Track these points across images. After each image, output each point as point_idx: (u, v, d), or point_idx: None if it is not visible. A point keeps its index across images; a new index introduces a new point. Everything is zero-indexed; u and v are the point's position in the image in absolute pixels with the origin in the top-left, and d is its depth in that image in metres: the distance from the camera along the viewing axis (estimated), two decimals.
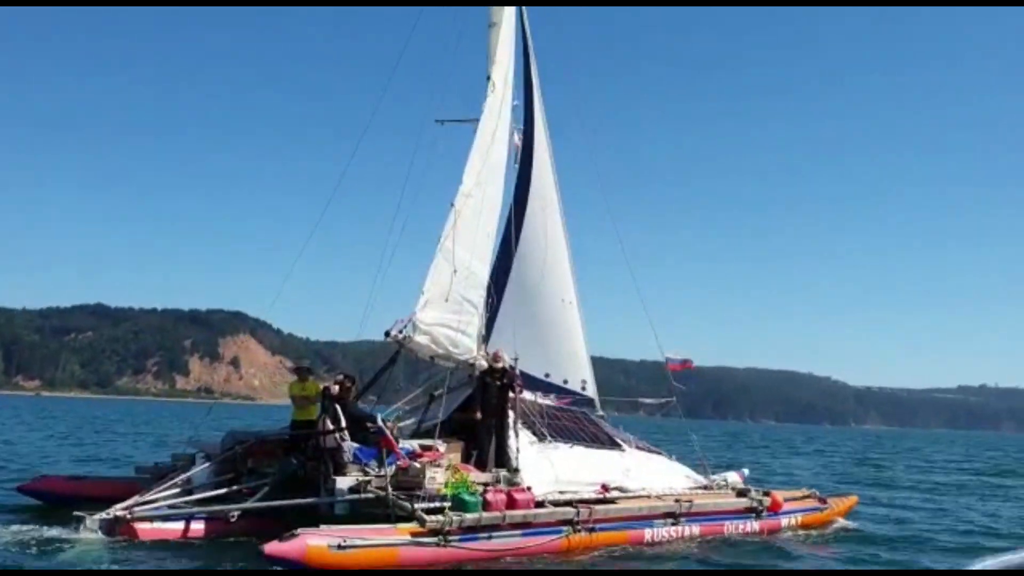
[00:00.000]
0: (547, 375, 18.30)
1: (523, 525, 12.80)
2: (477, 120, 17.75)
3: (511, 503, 12.76)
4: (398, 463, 12.89)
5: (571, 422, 16.82)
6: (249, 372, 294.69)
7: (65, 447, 33.34)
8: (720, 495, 16.35)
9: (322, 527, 11.26)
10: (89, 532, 12.49)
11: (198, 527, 13.15)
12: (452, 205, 14.61)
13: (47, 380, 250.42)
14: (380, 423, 13.65)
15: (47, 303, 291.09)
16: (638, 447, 17.39)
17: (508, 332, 17.19)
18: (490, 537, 12.39)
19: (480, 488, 13.01)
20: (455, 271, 14.50)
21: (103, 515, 12.77)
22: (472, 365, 16.07)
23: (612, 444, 16.86)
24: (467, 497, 12.38)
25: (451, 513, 12.06)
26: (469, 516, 12.15)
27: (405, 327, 14.13)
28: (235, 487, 13.82)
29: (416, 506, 12.14)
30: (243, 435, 15.51)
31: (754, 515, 16.01)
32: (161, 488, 13.98)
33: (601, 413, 18.60)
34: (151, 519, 12.99)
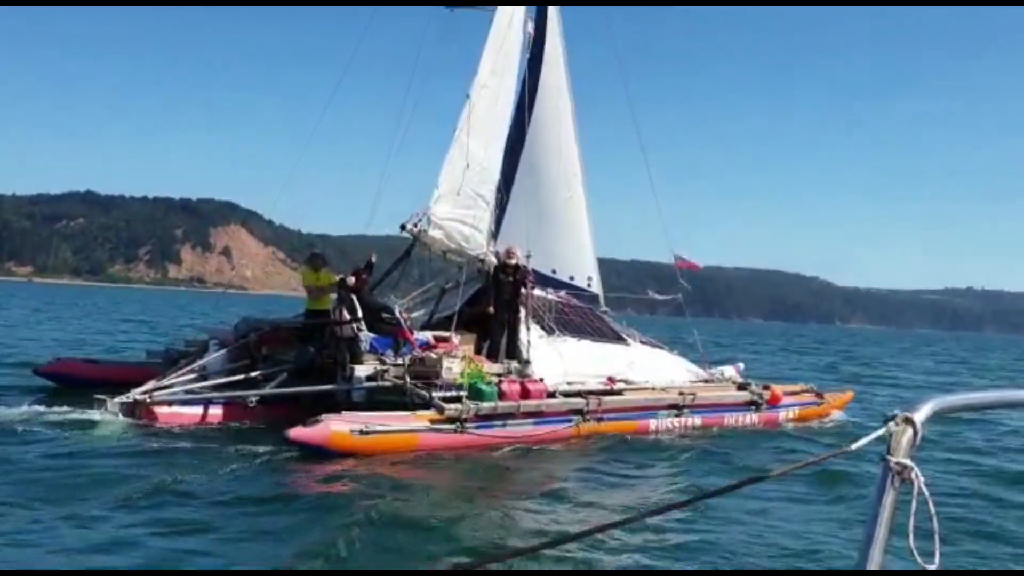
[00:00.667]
0: (553, 271, 18.46)
1: (536, 414, 13.18)
2: (489, 6, 17.48)
3: (525, 393, 13.11)
4: (415, 353, 13.16)
5: (578, 317, 17.07)
6: (241, 262, 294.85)
7: (84, 336, 33.69)
8: (721, 388, 16.77)
9: (343, 413, 11.57)
10: (110, 415, 12.81)
11: (216, 412, 13.48)
12: (467, 96, 14.50)
13: (39, 266, 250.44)
14: (397, 314, 13.85)
15: (36, 189, 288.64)
16: (642, 342, 17.71)
17: (515, 227, 17.29)
18: (504, 425, 12.77)
19: (494, 379, 13.33)
20: (467, 166, 14.49)
21: (123, 398, 13.07)
22: (482, 261, 16.20)
23: (617, 339, 17.15)
24: (483, 387, 12.70)
25: (468, 402, 12.39)
26: (485, 405, 12.50)
27: (420, 221, 14.21)
28: (252, 374, 14.08)
29: (434, 395, 12.46)
30: (257, 323, 15.74)
31: (753, 408, 16.43)
32: (178, 373, 14.26)
33: (605, 309, 18.86)
34: (170, 403, 13.30)
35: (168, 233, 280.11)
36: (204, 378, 14.32)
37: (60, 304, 68.88)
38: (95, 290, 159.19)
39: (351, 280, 13.79)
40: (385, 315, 13.96)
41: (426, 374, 13.06)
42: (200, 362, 14.63)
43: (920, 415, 2.12)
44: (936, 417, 2.16)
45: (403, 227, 14.37)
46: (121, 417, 12.85)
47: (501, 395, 12.84)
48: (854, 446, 2.17)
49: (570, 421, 13.55)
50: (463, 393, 12.75)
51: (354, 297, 13.68)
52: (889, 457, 2.06)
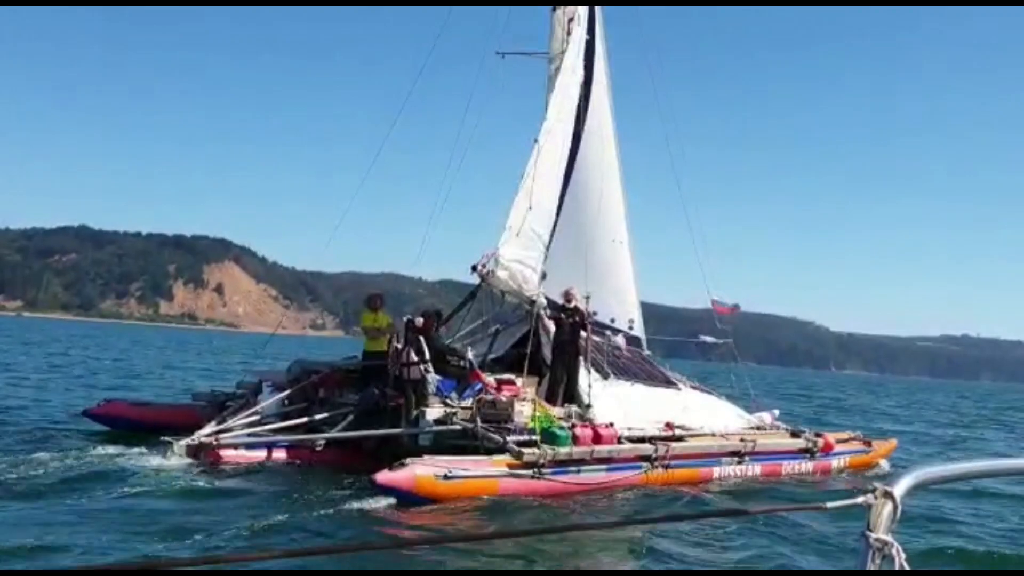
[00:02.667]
0: (594, 312, 18.39)
1: (607, 460, 13.02)
2: (540, 53, 17.61)
3: (597, 438, 12.95)
4: (484, 396, 13.02)
5: (629, 360, 16.98)
6: (233, 299, 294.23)
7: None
8: (778, 435, 16.65)
9: (425, 457, 11.40)
10: (176, 457, 12.63)
11: (280, 454, 13.30)
12: (536, 141, 14.52)
13: (28, 301, 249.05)
14: (470, 357, 13.73)
15: (31, 223, 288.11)
16: (692, 386, 17.60)
17: (560, 269, 17.25)
18: (579, 471, 12.61)
19: (564, 423, 13.19)
20: (530, 208, 14.48)
21: (189, 440, 12.89)
22: (533, 302, 16.12)
23: (668, 383, 17.05)
24: (558, 431, 12.56)
25: (545, 447, 12.23)
26: (562, 450, 12.34)
27: (488, 262, 14.16)
28: (317, 416, 13.92)
29: (508, 439, 12.30)
30: (312, 364, 15.62)
31: (808, 456, 16.31)
32: (240, 415, 14.09)
33: (648, 352, 18.77)
34: (235, 446, 13.12)
35: (161, 269, 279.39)
36: (263, 421, 14.16)
37: (91, 340, 68.38)
38: (87, 325, 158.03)
39: (419, 321, 13.68)
40: (456, 358, 13.85)
41: (497, 417, 12.91)
42: (259, 406, 14.46)
43: (900, 489, 2.08)
44: (917, 490, 2.13)
45: (474, 268, 14.31)
46: (187, 459, 12.67)
47: (574, 440, 12.68)
48: (829, 505, 2.21)
49: (639, 468, 13.39)
50: (535, 437, 12.60)
51: (422, 339, 13.55)
52: (869, 533, 2.03)
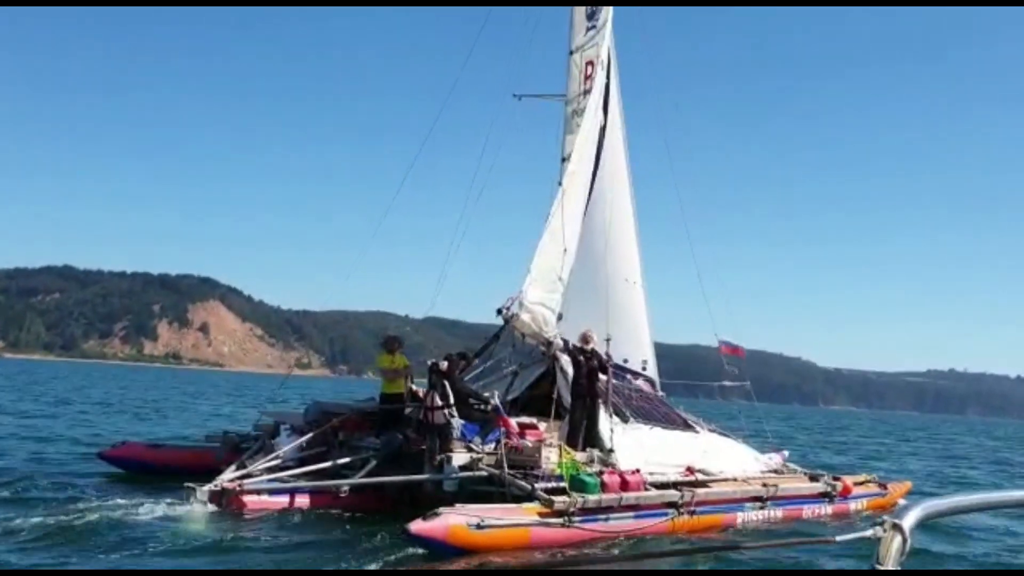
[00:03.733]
0: (607, 355, 18.34)
1: (635, 507, 12.87)
2: (556, 95, 17.73)
3: (624, 485, 12.83)
4: (510, 442, 12.89)
5: (646, 403, 16.90)
6: (218, 339, 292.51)
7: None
8: (798, 479, 16.55)
9: (457, 506, 11.24)
10: (199, 504, 12.43)
11: (303, 500, 13.10)
12: (560, 184, 14.56)
13: (10, 341, 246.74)
14: (496, 402, 13.62)
15: (14, 263, 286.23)
16: (709, 429, 17.53)
17: (572, 310, 17.20)
18: (607, 519, 12.45)
19: (590, 468, 13.06)
20: (565, 250, 14.50)
21: (211, 487, 12.70)
22: (549, 344, 16.07)
23: (686, 425, 16.98)
24: (587, 479, 12.41)
25: (575, 494, 12.09)
26: (591, 498, 12.20)
27: (512, 304, 14.12)
28: (339, 461, 13.76)
29: (536, 486, 12.16)
30: (330, 407, 15.49)
31: (827, 499, 16.22)
32: (259, 459, 13.93)
33: (661, 394, 18.69)
34: (258, 491, 12.92)
35: (145, 308, 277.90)
36: (283, 465, 13.99)
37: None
38: (67, 366, 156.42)
39: (443, 365, 13.58)
40: (479, 403, 13.75)
41: (523, 464, 12.79)
42: (280, 450, 14.28)
43: (908, 521, 2.07)
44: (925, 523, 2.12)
45: (499, 311, 14.27)
46: (209, 506, 12.47)
47: (602, 487, 12.55)
48: (838, 539, 2.25)
49: (666, 515, 13.24)
50: (562, 484, 12.45)
51: (446, 383, 13.45)
52: (878, 566, 2.01)
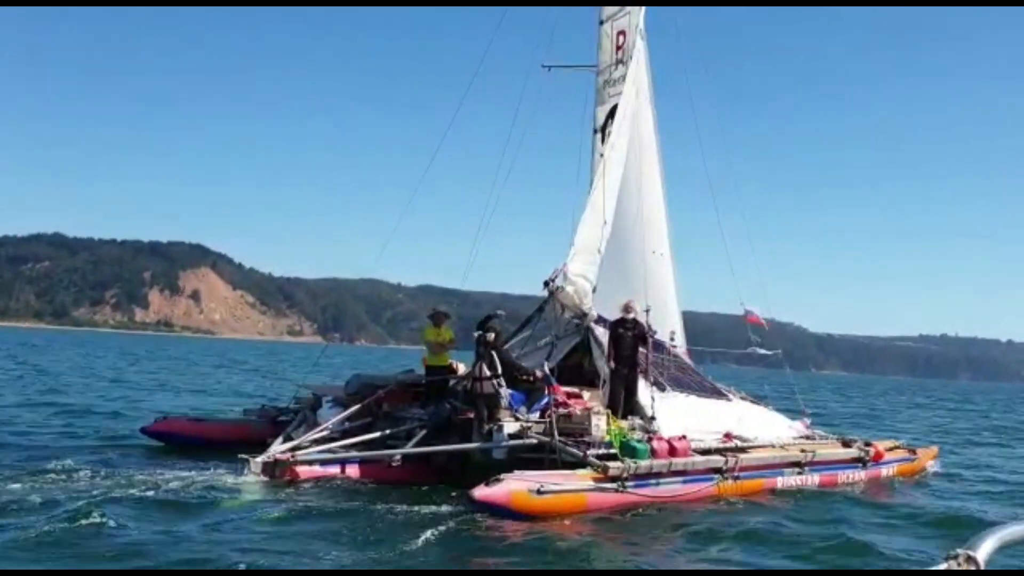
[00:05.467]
0: (648, 325, 18.45)
1: (683, 472, 13.08)
2: (587, 66, 17.68)
3: (672, 451, 13.02)
4: (560, 410, 13.03)
5: (681, 372, 17.05)
6: (209, 306, 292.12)
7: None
8: (832, 445, 16.78)
9: (516, 472, 11.40)
10: (253, 475, 12.56)
11: (353, 470, 13.24)
12: (601, 155, 14.59)
13: (0, 310, 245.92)
14: (547, 370, 13.74)
15: (3, 231, 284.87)
16: (741, 397, 17.72)
17: (601, 281, 17.28)
18: (658, 483, 12.66)
19: (639, 435, 13.24)
20: (605, 222, 14.56)
21: (264, 458, 12.83)
22: (585, 315, 16.15)
23: (719, 394, 17.15)
24: (637, 445, 12.60)
25: (627, 460, 12.27)
26: (643, 463, 12.39)
27: (558, 277, 14.21)
28: (388, 432, 13.90)
29: (588, 453, 12.33)
30: (372, 378, 15.60)
31: (861, 465, 16.45)
32: (308, 431, 14.06)
33: (690, 363, 18.84)
34: (310, 462, 13.05)
35: (136, 276, 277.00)
36: (330, 436, 14.11)
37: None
38: (58, 333, 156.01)
39: (490, 336, 13.67)
40: (535, 372, 13.89)
41: (573, 431, 12.94)
42: (325, 422, 14.39)
43: (983, 552, 1.95)
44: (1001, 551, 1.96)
45: (546, 284, 14.35)
46: (263, 477, 12.60)
47: (652, 453, 12.73)
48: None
49: (711, 480, 13.46)
50: (612, 451, 12.63)
51: (494, 353, 13.55)
52: None
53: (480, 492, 10.78)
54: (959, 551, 1.95)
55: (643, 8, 16.45)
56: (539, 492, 11.13)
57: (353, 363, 57.66)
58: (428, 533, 10.05)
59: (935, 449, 19.56)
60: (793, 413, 19.31)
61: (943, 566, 1.94)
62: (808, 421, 19.65)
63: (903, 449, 18.30)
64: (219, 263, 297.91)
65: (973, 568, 1.91)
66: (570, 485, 11.60)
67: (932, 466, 18.47)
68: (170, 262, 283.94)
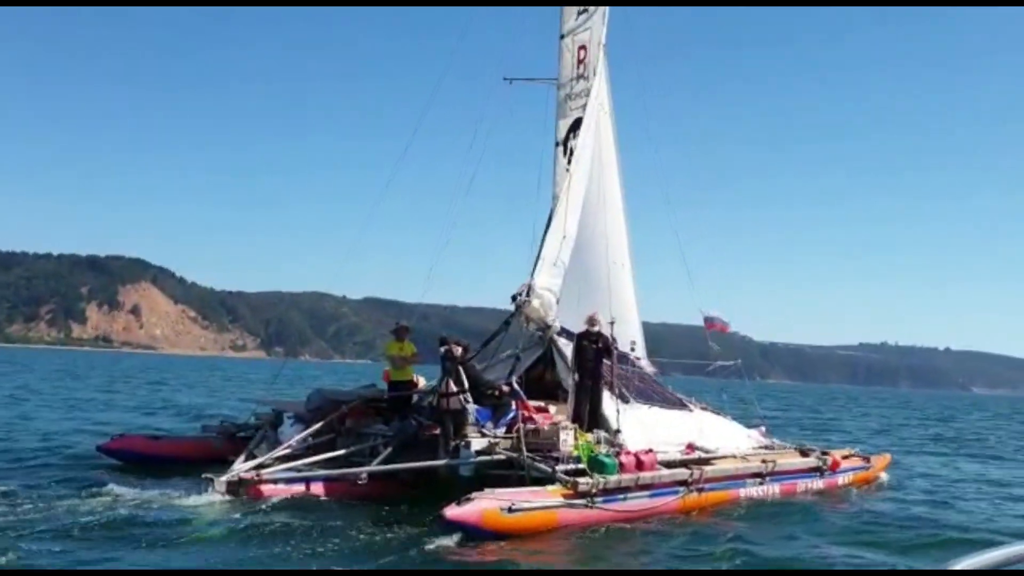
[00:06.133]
0: (612, 337, 18.49)
1: (650, 486, 13.10)
2: (548, 79, 17.74)
3: (639, 465, 13.04)
4: (528, 425, 12.99)
5: (642, 383, 17.12)
6: (150, 321, 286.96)
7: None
8: (791, 455, 16.98)
9: (487, 491, 11.31)
10: (217, 494, 12.31)
11: (318, 488, 13.04)
12: (568, 170, 14.62)
13: None
14: (515, 386, 13.69)
15: None
16: (701, 407, 17.86)
17: (562, 293, 17.33)
18: (625, 498, 12.65)
19: (606, 450, 13.24)
20: (564, 236, 14.57)
21: (229, 476, 12.58)
22: (548, 327, 16.16)
23: (681, 405, 17.27)
24: (606, 460, 12.59)
25: (596, 475, 12.26)
26: (612, 478, 12.38)
27: (527, 291, 14.19)
28: (352, 448, 13.74)
29: (556, 468, 12.29)
30: (335, 394, 15.41)
31: (819, 474, 16.68)
32: (271, 449, 13.84)
33: (652, 371, 18.92)
34: (275, 480, 12.83)
35: (73, 291, 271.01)
36: (293, 454, 13.90)
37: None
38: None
39: (458, 351, 13.59)
40: (504, 387, 13.85)
41: (541, 447, 12.89)
42: (286, 438, 14.19)
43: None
44: None
45: (514, 298, 14.32)
46: (227, 496, 12.35)
47: (620, 467, 12.74)
48: None
49: (677, 492, 13.51)
50: (580, 466, 12.61)
51: (461, 369, 13.47)
52: None
53: (451, 512, 10.66)
54: None
55: (606, 17, 16.48)
56: (510, 510, 11.04)
57: (307, 378, 57.00)
58: (397, 556, 9.94)
59: (888, 457, 19.93)
60: (748, 421, 19.58)
61: None
62: (764, 429, 19.90)
63: (858, 457, 18.60)
64: (160, 277, 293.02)
65: None
66: (540, 502, 11.53)
67: (886, 473, 18.81)
68: (109, 276, 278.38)
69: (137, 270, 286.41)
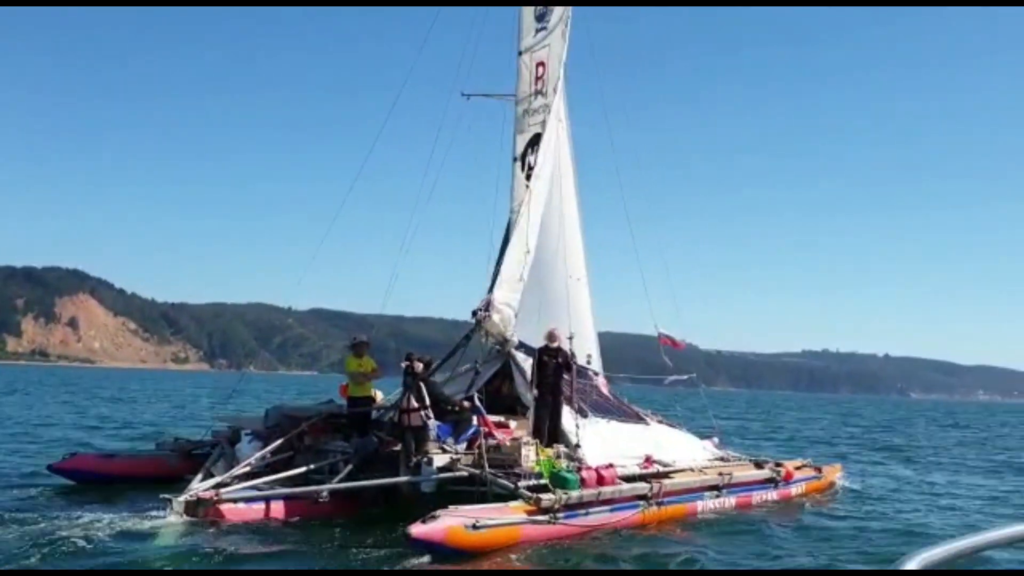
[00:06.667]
0: (571, 352, 18.58)
1: (611, 501, 13.20)
2: (506, 95, 17.86)
3: (600, 480, 13.13)
4: (490, 441, 13.02)
5: (599, 397, 17.26)
6: (89, 334, 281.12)
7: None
8: (746, 467, 17.21)
9: (451, 508, 11.30)
10: (175, 515, 12.12)
11: (278, 507, 12.89)
12: (527, 187, 14.71)
13: None
14: (477, 402, 13.70)
15: None
16: (657, 420, 18.03)
17: (521, 307, 17.40)
18: (587, 513, 12.72)
19: (566, 465, 13.30)
20: (528, 251, 14.66)
21: (188, 496, 12.39)
22: (506, 341, 16.20)
23: (637, 418, 17.41)
24: (568, 475, 12.66)
25: (559, 491, 12.32)
26: (574, 493, 12.45)
27: (486, 306, 14.23)
28: (312, 466, 13.63)
29: (519, 484, 12.33)
30: (293, 410, 15.29)
31: (773, 485, 16.94)
32: (228, 467, 13.68)
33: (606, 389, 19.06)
34: (234, 500, 12.66)
35: (7, 303, 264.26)
36: (252, 472, 13.74)
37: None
38: None
39: (419, 367, 13.57)
40: (464, 403, 13.84)
41: (503, 463, 12.93)
42: (244, 456, 14.03)
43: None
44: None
45: (474, 313, 14.34)
46: (185, 517, 12.15)
47: (581, 483, 12.82)
48: None
49: (637, 507, 13.62)
50: (542, 481, 12.66)
51: (422, 385, 13.45)
52: None
53: (416, 530, 10.63)
54: None
55: (567, 34, 16.60)
56: (475, 527, 11.05)
57: (255, 392, 56.25)
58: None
59: (839, 466, 20.33)
60: (700, 431, 19.83)
61: None
62: (717, 440, 20.16)
63: (810, 467, 18.92)
64: (98, 289, 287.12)
65: None
66: (504, 519, 11.55)
67: (839, 482, 19.17)
68: (45, 288, 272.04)
69: (75, 281, 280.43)
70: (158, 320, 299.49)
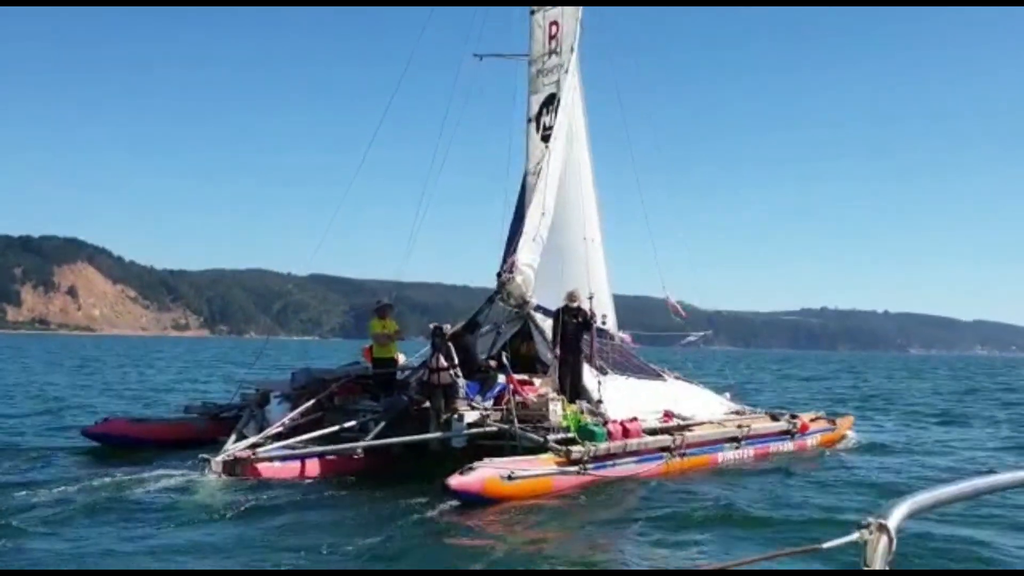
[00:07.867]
0: (591, 311, 18.80)
1: (636, 452, 13.59)
2: (519, 55, 17.91)
3: (626, 432, 13.50)
4: (518, 398, 13.35)
5: (618, 355, 17.55)
6: (88, 302, 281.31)
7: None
8: (764, 419, 17.59)
9: (486, 460, 11.65)
10: (213, 474, 12.43)
11: (313, 465, 13.22)
12: (546, 145, 14.86)
13: None
14: (504, 360, 14.00)
15: None
16: (675, 377, 18.37)
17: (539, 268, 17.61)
18: (614, 464, 13.12)
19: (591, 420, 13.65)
20: (544, 213, 14.86)
21: (225, 456, 12.71)
22: (526, 303, 16.44)
23: (655, 375, 17.75)
24: (595, 428, 13.02)
25: (587, 443, 12.69)
26: (601, 446, 12.83)
27: (510, 267, 14.48)
28: (345, 424, 13.96)
29: (548, 438, 12.68)
30: (322, 373, 15.59)
31: (789, 436, 17.32)
32: (262, 428, 13.99)
33: (635, 346, 19.36)
34: (270, 459, 12.99)
35: (6, 273, 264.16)
36: (284, 432, 14.06)
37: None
38: None
39: (447, 327, 13.87)
40: (491, 361, 14.16)
41: (531, 418, 13.27)
42: (273, 417, 14.35)
43: (894, 520, 2.02)
44: (912, 518, 2.08)
45: (499, 275, 14.59)
46: (223, 475, 12.48)
47: (608, 435, 13.18)
48: (824, 545, 2.11)
49: (660, 458, 14.00)
50: (570, 435, 13.02)
51: (451, 345, 13.75)
52: (865, 567, 1.98)
53: (455, 481, 11.00)
54: (870, 520, 2.00)
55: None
56: (510, 478, 11.43)
57: (266, 359, 56.53)
58: (400, 522, 10.22)
59: (851, 418, 20.69)
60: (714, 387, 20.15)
61: (855, 535, 1.99)
62: (729, 395, 20.50)
63: (824, 419, 19.30)
64: (97, 257, 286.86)
65: (886, 536, 1.97)
66: (537, 470, 11.95)
67: (851, 433, 19.56)
68: (43, 257, 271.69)
69: (72, 250, 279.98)
70: (157, 287, 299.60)
